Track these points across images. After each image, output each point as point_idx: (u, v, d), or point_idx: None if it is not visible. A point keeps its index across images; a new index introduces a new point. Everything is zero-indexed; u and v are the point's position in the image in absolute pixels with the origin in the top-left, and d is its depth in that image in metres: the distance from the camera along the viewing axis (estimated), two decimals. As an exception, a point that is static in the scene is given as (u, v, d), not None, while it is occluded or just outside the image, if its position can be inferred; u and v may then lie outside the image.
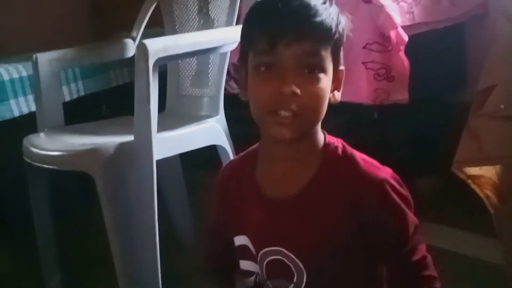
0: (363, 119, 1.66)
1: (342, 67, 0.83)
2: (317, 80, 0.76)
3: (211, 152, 1.52)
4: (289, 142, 0.79)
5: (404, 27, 1.53)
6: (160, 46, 1.25)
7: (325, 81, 0.77)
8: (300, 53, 0.75)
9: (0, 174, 1.94)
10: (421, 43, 1.61)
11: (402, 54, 1.52)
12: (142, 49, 1.22)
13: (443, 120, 1.47)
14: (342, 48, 0.81)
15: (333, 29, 0.77)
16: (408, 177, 0.84)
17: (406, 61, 1.52)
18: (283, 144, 0.81)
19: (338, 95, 0.83)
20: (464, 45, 1.86)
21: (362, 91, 1.58)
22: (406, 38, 1.51)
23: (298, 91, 0.75)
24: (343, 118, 1.54)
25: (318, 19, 0.75)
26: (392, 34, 1.50)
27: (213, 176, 0.96)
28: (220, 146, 1.50)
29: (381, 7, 1.50)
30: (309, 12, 0.75)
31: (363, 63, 1.56)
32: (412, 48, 1.53)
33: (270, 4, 0.77)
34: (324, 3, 0.78)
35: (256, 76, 0.78)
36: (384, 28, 1.51)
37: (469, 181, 1.10)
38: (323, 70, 0.77)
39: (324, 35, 0.76)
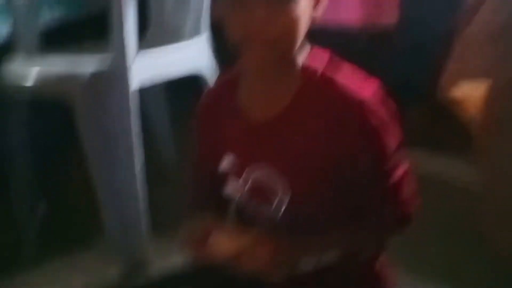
0: (349, 44, 1.60)
1: None
2: (290, 5, 0.72)
3: (193, 80, 1.48)
4: (266, 67, 0.77)
5: None
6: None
7: (300, 4, 0.73)
8: None
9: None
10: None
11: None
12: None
13: (431, 45, 1.42)
14: None
15: None
16: (395, 103, 0.81)
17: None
18: (261, 69, 0.79)
19: (318, 12, 0.78)
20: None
21: (350, 13, 1.52)
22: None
23: (269, 20, 0.72)
24: (328, 43, 1.48)
25: None
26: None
27: (195, 104, 0.93)
28: (202, 76, 1.46)
29: None
30: None
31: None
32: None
33: None
34: None
35: (230, 3, 0.74)
36: None
37: (454, 103, 1.07)
38: None
39: None
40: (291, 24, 0.73)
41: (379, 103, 0.79)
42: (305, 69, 0.80)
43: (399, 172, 0.82)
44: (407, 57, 1.62)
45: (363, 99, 0.77)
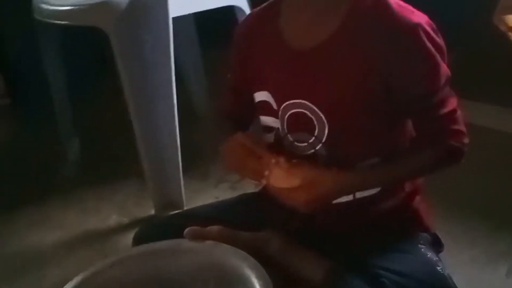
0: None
1: None
2: None
3: (227, 17, 1.44)
4: None
5: None
6: None
7: None
8: None
9: (11, 41, 1.90)
10: None
11: None
12: None
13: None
14: None
15: None
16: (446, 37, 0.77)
17: None
18: None
19: None
20: None
21: None
22: None
23: None
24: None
25: None
26: None
27: (228, 41, 0.90)
28: (238, 7, 1.42)
29: None
30: None
31: None
32: None
33: None
34: None
35: None
36: None
37: (510, 33, 1.02)
38: None
39: None
40: None
41: (433, 29, 0.76)
42: None
43: (451, 103, 0.79)
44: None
45: (420, 22, 0.74)
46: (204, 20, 1.39)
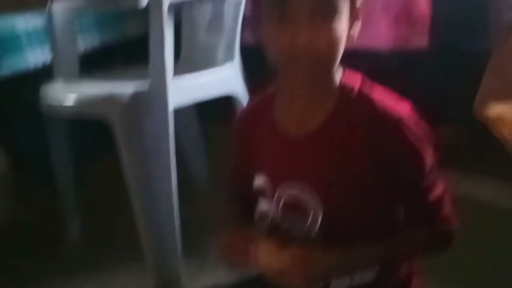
0: (381, 67, 1.63)
1: (359, 6, 0.79)
2: (333, 25, 0.74)
3: (225, 102, 1.52)
4: (306, 84, 0.79)
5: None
6: (174, -10, 1.23)
7: (341, 24, 0.75)
8: (313, 2, 0.73)
9: (19, 126, 1.97)
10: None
11: (423, -4, 1.47)
12: (156, -7, 1.20)
13: (464, 66, 1.43)
14: None
15: None
16: (429, 124, 0.82)
17: (427, 3, 1.47)
18: (300, 86, 0.81)
19: (354, 34, 0.80)
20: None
21: (380, 36, 1.54)
22: (427, -21, 1.46)
23: (312, 40, 0.73)
24: (361, 66, 1.51)
25: None
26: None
27: (228, 125, 0.96)
28: (235, 96, 1.49)
29: None
30: None
31: (383, 7, 1.52)
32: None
33: None
34: None
35: (270, 24, 0.77)
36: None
37: (489, 124, 1.07)
38: (339, 13, 0.75)
39: None
40: (334, 42, 0.75)
41: (415, 121, 0.81)
42: (343, 86, 0.83)
43: (438, 189, 0.82)
44: (439, 78, 1.63)
45: (402, 116, 0.78)
46: (203, 102, 1.46)
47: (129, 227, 1.42)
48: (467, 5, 1.62)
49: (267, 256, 0.75)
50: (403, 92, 0.81)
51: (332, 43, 0.75)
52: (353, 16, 0.79)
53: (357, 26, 0.80)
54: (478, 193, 1.53)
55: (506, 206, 1.48)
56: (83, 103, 1.35)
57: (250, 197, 0.92)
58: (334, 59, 0.78)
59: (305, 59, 0.75)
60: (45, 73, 1.64)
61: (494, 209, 1.49)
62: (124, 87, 1.34)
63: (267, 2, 0.76)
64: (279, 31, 0.75)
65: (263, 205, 0.89)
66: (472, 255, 1.33)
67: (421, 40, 1.50)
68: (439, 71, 1.64)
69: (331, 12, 0.74)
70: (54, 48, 1.59)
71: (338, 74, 0.83)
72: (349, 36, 0.79)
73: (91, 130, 1.81)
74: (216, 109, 1.55)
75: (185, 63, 1.69)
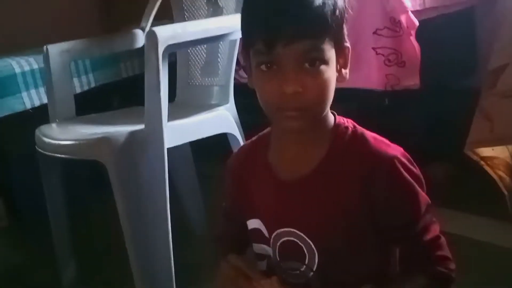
0: (374, 105, 1.65)
1: (346, 44, 0.81)
2: (319, 72, 0.76)
3: (221, 142, 1.53)
4: (297, 131, 0.80)
5: (414, 12, 1.52)
6: (169, 33, 1.25)
7: (328, 70, 0.77)
8: (300, 51, 0.74)
9: (13, 166, 1.97)
10: (431, 28, 1.60)
11: (413, 39, 1.51)
12: (152, 36, 1.23)
13: (454, 105, 1.46)
14: (344, 26, 0.80)
15: (330, 19, 0.75)
16: (421, 163, 0.83)
17: (417, 46, 1.51)
18: (291, 132, 0.82)
19: (345, 73, 0.82)
20: (474, 30, 1.84)
21: (373, 77, 1.57)
22: (416, 22, 1.50)
23: (300, 89, 0.75)
24: (354, 104, 1.53)
25: (315, 13, 0.74)
26: (403, 18, 1.49)
27: (224, 165, 0.96)
28: (230, 134, 1.51)
29: (391, -9, 1.49)
30: (305, 7, 0.73)
31: (373, 48, 1.55)
32: (422, 33, 1.51)
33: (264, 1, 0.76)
34: None
35: (259, 74, 0.78)
36: (395, 13, 1.50)
37: (482, 163, 1.09)
38: (325, 61, 0.76)
39: (322, 29, 0.75)
40: (322, 90, 0.77)
41: (409, 160, 0.81)
42: (336, 128, 0.84)
43: (434, 230, 0.82)
44: (430, 118, 1.66)
45: (396, 154, 0.79)
46: (199, 142, 1.47)
47: (124, 271, 1.40)
48: (456, 47, 1.66)
49: None
50: (396, 129, 0.82)
51: (320, 91, 0.76)
52: (341, 62, 0.81)
53: (347, 65, 0.82)
54: (471, 232, 1.53)
55: (499, 244, 1.47)
56: (77, 145, 1.35)
57: (242, 238, 0.92)
58: (323, 106, 0.79)
59: (293, 108, 0.76)
60: (41, 115, 1.66)
61: (488, 248, 1.49)
62: (119, 130, 1.34)
63: (255, 51, 0.77)
64: (267, 81, 0.77)
65: (259, 248, 0.89)
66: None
67: (412, 80, 1.52)
68: (430, 109, 1.66)
69: (317, 61, 0.75)
70: (49, 90, 1.61)
71: (330, 118, 0.84)
72: (339, 76, 0.81)
73: (85, 173, 1.82)
74: (213, 150, 1.56)
75: (181, 104, 1.71)
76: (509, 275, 1.37)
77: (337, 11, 0.77)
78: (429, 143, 1.59)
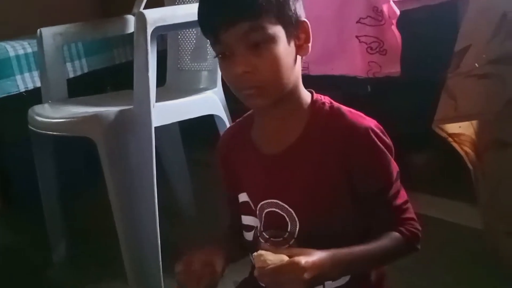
0: (357, 92, 1.70)
1: (302, 19, 0.86)
2: (267, 51, 0.80)
3: (210, 128, 1.57)
4: (269, 107, 0.85)
5: (396, 2, 1.57)
6: (158, 15, 1.30)
7: (276, 47, 0.81)
8: (239, 34, 0.79)
9: (8, 149, 2.01)
10: (415, 19, 1.65)
11: (394, 28, 1.55)
12: (141, 18, 1.27)
13: (431, 91, 1.51)
14: (291, 2, 0.83)
15: None
16: (400, 146, 0.88)
17: (398, 35, 1.56)
18: (264, 110, 0.87)
19: (307, 46, 0.86)
20: (457, 22, 1.89)
21: (356, 65, 1.62)
22: (398, 12, 1.55)
23: (249, 69, 0.80)
24: (339, 92, 1.58)
25: None
26: (385, 7, 1.54)
27: (211, 147, 1.01)
28: (217, 116, 1.55)
29: (374, -19, 1.54)
30: None
31: (356, 37, 1.60)
32: (406, 24, 1.56)
33: None
34: None
35: (219, 63, 0.85)
36: (377, 2, 1.55)
37: (449, 139, 1.14)
38: (269, 40, 0.80)
39: (256, 9, 0.79)
40: (272, 68, 0.81)
41: (382, 131, 0.86)
42: (313, 103, 0.89)
43: (402, 195, 0.88)
44: (409, 101, 1.71)
45: (370, 125, 0.85)
46: (188, 123, 1.51)
47: (114, 249, 1.45)
48: (438, 38, 1.70)
49: (265, 258, 0.75)
50: (378, 115, 0.87)
51: (270, 68, 0.81)
52: (302, 37, 0.85)
53: (309, 39, 0.86)
54: (439, 214, 1.59)
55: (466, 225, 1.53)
56: (68, 122, 1.39)
57: (237, 211, 0.97)
58: (280, 82, 0.83)
59: (249, 87, 0.81)
60: (34, 98, 1.70)
61: (455, 229, 1.54)
62: (109, 109, 1.39)
63: (211, 44, 0.84)
64: (224, 67, 0.84)
65: (247, 219, 0.94)
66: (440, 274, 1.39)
67: (393, 68, 1.57)
68: (409, 96, 1.71)
69: (260, 40, 0.80)
70: (43, 72, 1.65)
71: (306, 95, 0.89)
72: (302, 50, 0.85)
73: (76, 153, 1.87)
74: (202, 135, 1.60)
75: (170, 88, 1.75)
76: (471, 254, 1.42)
77: None
78: (407, 127, 1.64)
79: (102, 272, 1.66)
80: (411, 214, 0.88)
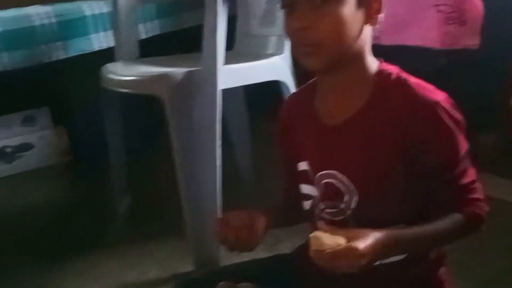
0: (430, 65, 1.63)
1: None
2: (330, 10, 0.78)
3: (274, 94, 1.56)
4: (326, 71, 0.83)
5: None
6: (229, -22, 1.29)
7: (342, 9, 0.78)
8: None
9: (77, 105, 2.10)
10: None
11: (477, -4, 1.47)
12: (212, -19, 1.27)
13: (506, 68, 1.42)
14: None
15: None
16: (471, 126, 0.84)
17: (480, 5, 1.47)
18: (325, 74, 0.85)
19: (379, 17, 0.82)
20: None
21: (431, 35, 1.55)
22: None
23: (307, 24, 0.78)
24: (411, 62, 1.52)
25: None
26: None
27: (275, 115, 1.00)
28: (283, 83, 1.54)
29: None
30: None
31: (434, 5, 1.53)
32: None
33: None
34: None
35: (284, 14, 0.83)
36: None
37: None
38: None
39: None
40: (332, 28, 0.78)
41: (452, 106, 0.82)
42: (379, 73, 0.85)
43: (470, 174, 0.84)
44: (486, 78, 1.62)
45: (439, 99, 0.80)
46: (253, 90, 1.52)
47: (175, 206, 1.49)
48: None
49: (322, 240, 0.74)
50: (452, 91, 0.83)
51: (330, 28, 0.78)
52: (374, 7, 0.81)
53: (376, 16, 0.82)
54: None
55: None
56: (138, 80, 1.43)
57: (294, 180, 0.96)
58: (337, 43, 0.80)
59: (305, 44, 0.80)
60: (107, 57, 1.75)
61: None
62: (177, 69, 1.41)
63: None
64: (286, 20, 0.82)
65: (305, 189, 0.93)
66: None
67: (472, 40, 1.49)
68: (487, 72, 1.62)
69: None
70: (116, 31, 1.70)
71: (372, 63, 0.86)
72: (369, 25, 0.82)
73: (143, 112, 1.92)
74: (266, 102, 1.59)
75: (238, 52, 1.75)
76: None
77: None
78: (480, 102, 1.56)
79: (163, 228, 1.72)
80: (478, 194, 0.83)
